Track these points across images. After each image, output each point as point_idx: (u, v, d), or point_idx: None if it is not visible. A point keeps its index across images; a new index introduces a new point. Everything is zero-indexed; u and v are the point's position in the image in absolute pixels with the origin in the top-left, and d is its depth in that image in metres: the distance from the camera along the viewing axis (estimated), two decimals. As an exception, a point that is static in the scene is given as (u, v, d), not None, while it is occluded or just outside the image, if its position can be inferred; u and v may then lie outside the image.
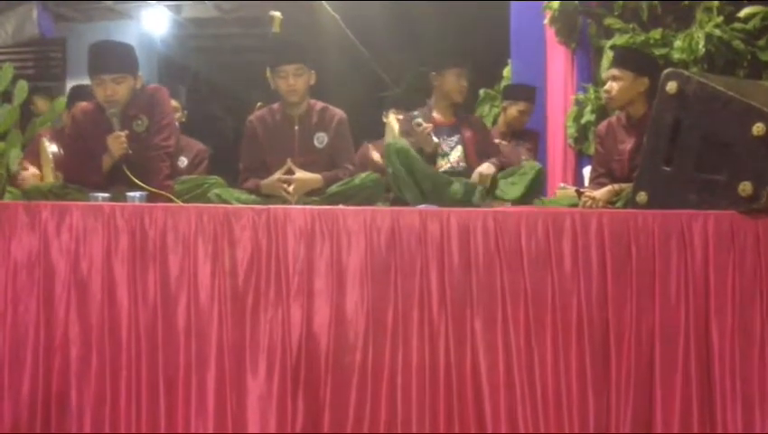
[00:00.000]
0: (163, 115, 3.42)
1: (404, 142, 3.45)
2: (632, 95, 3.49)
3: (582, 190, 3.63)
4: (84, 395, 2.43)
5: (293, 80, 3.51)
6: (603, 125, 3.74)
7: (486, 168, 3.60)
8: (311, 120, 3.60)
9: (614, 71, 3.52)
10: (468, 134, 3.91)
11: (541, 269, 2.47)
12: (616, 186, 3.42)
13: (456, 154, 3.86)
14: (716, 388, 2.44)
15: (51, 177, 3.81)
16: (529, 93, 4.86)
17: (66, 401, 2.43)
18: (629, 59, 3.60)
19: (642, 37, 4.31)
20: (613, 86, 3.50)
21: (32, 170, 4.01)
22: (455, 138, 3.90)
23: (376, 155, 4.61)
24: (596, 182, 3.65)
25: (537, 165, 3.72)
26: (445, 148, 3.84)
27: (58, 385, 2.43)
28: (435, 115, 3.92)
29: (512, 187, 3.51)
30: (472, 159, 3.84)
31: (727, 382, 2.43)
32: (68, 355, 2.44)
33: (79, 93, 4.23)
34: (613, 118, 3.71)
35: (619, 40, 4.43)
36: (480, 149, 3.89)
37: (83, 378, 2.44)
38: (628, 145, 3.52)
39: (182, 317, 2.46)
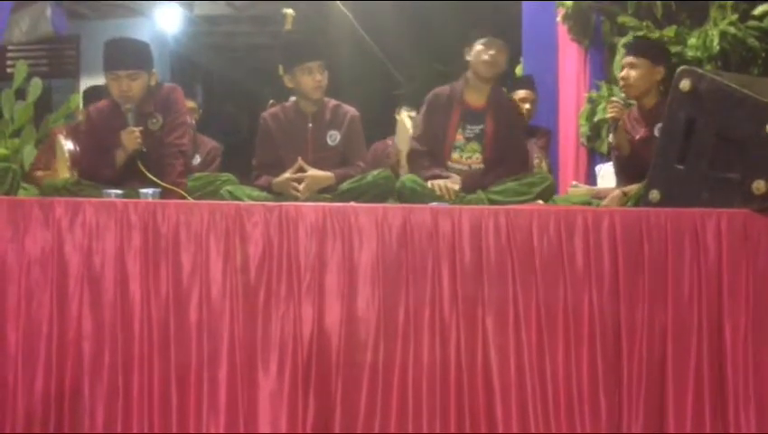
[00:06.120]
0: (177, 114, 3.45)
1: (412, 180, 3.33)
2: (649, 84, 3.51)
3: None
4: (97, 391, 2.44)
5: (319, 76, 3.51)
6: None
7: (452, 182, 3.35)
8: (324, 118, 3.60)
9: (631, 59, 3.53)
10: (491, 128, 3.51)
11: (553, 268, 2.47)
12: (618, 191, 3.40)
13: (473, 150, 3.54)
14: (729, 388, 2.43)
15: (66, 173, 3.83)
16: (524, 81, 4.77)
17: (79, 397, 2.44)
18: (646, 47, 3.63)
19: (657, 35, 4.29)
20: (630, 73, 3.52)
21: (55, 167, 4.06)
22: (479, 128, 3.53)
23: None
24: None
25: (548, 177, 3.48)
26: (461, 140, 3.52)
27: (71, 381, 2.45)
28: (466, 95, 3.54)
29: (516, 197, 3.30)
30: (489, 158, 3.51)
31: (740, 381, 2.42)
32: (80, 351, 2.45)
33: (94, 94, 4.25)
34: (625, 114, 3.70)
35: (633, 38, 4.41)
36: (500, 147, 3.53)
37: (96, 374, 2.45)
38: (638, 135, 3.53)
39: (194, 314, 2.47)
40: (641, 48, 3.61)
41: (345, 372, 2.44)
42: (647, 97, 3.54)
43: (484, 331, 2.45)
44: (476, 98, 3.55)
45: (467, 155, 3.54)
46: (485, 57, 3.45)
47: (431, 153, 3.55)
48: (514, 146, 3.62)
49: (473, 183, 3.44)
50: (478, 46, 3.48)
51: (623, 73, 3.56)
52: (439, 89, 3.62)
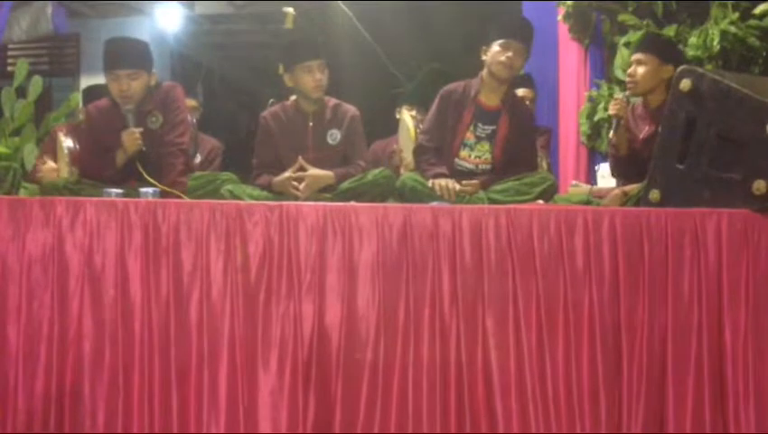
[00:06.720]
0: (177, 112, 3.45)
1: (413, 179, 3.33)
2: (656, 82, 3.43)
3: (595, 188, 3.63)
4: (97, 389, 2.45)
5: (319, 75, 3.51)
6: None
7: (452, 183, 3.30)
8: (324, 117, 3.59)
9: (640, 56, 3.45)
10: (504, 130, 3.48)
11: (553, 267, 2.47)
12: (618, 191, 3.39)
13: (483, 150, 3.51)
14: (729, 387, 2.43)
15: (66, 172, 3.83)
16: (523, 80, 4.72)
17: (79, 396, 2.45)
18: (656, 44, 3.55)
19: (657, 34, 4.29)
20: (637, 70, 3.44)
21: (51, 164, 4.06)
22: (491, 129, 3.49)
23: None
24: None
25: (550, 177, 3.46)
26: (471, 138, 3.49)
27: (71, 380, 2.45)
28: (481, 95, 3.51)
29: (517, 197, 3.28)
30: (498, 159, 3.49)
31: (740, 381, 2.42)
32: (81, 350, 2.46)
33: (94, 93, 4.25)
34: (629, 109, 3.67)
35: (633, 37, 4.41)
36: (510, 150, 3.49)
37: (96, 372, 2.45)
38: (642, 132, 3.50)
39: (195, 313, 2.47)
40: (650, 45, 3.52)
41: (345, 370, 2.45)
42: (653, 94, 3.45)
43: (484, 330, 2.46)
44: (491, 98, 3.52)
45: (476, 155, 3.52)
46: (502, 58, 3.42)
47: (438, 149, 3.53)
48: (525, 150, 3.59)
49: (486, 185, 3.42)
50: (495, 47, 3.44)
51: (630, 70, 3.48)
52: (452, 86, 3.59)
